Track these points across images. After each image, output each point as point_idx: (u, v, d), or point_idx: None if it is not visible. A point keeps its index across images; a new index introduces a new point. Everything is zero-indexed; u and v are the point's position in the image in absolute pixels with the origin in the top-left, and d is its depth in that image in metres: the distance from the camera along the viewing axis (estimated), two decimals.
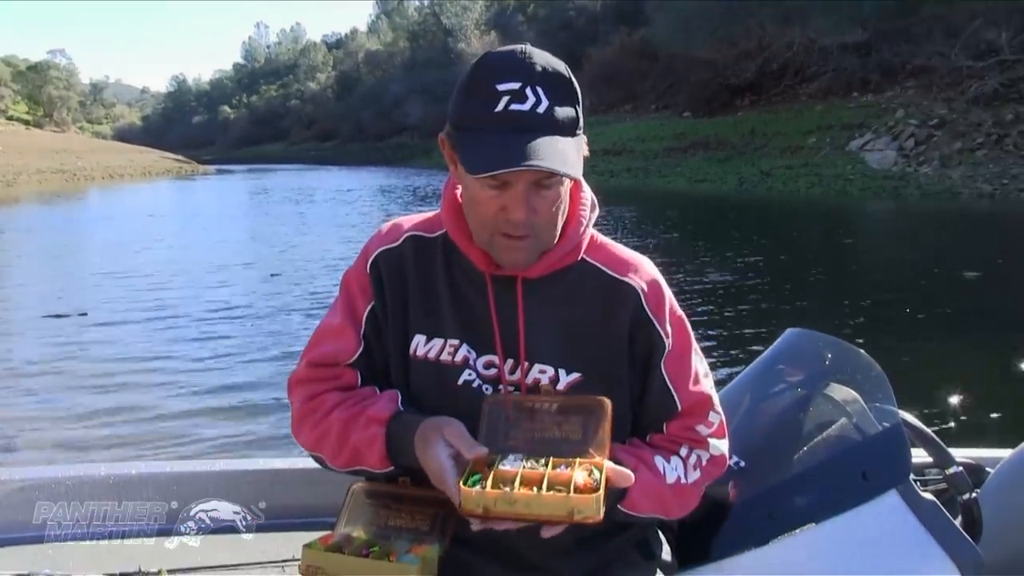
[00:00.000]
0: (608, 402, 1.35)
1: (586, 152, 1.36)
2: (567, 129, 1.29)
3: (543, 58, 1.30)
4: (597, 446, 1.32)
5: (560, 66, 1.31)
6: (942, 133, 27.76)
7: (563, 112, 1.29)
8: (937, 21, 30.69)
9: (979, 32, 29.11)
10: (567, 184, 1.35)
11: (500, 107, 1.26)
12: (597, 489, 1.23)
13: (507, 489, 1.22)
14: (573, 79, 1.32)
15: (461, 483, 1.24)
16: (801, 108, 35.32)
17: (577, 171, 1.28)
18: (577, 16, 59.04)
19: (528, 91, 1.26)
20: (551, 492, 1.22)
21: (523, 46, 1.32)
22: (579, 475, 1.25)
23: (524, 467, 1.28)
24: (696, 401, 1.47)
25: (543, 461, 1.29)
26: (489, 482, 1.24)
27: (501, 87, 1.26)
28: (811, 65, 36.34)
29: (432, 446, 1.30)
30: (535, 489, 1.23)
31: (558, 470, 1.27)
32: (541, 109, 1.27)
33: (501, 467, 1.28)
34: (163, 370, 7.75)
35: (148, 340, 9.02)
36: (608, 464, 1.29)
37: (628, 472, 1.31)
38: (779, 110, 36.41)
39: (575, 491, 1.22)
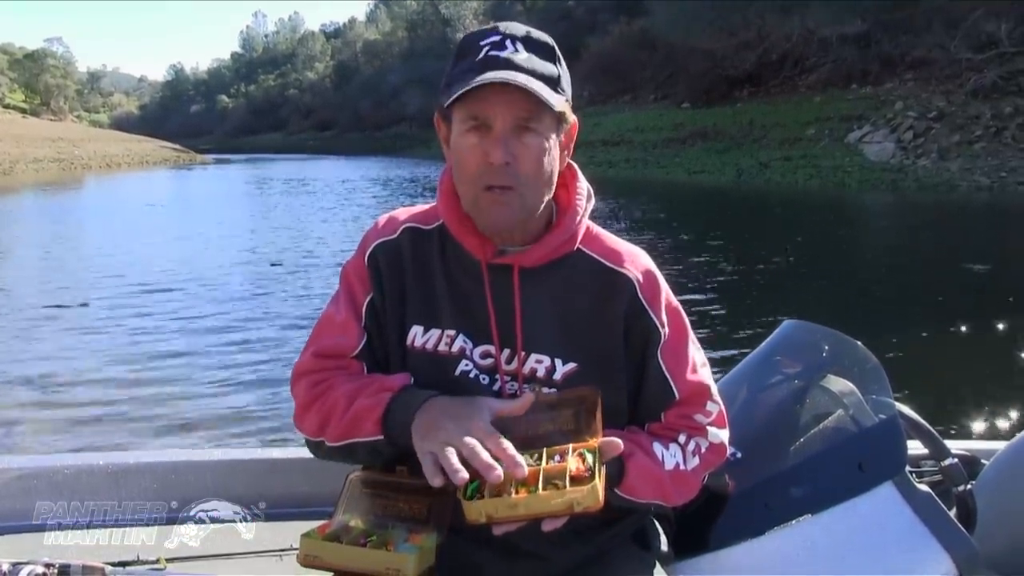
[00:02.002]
0: (597, 391, 1.36)
1: (572, 121, 1.40)
2: (548, 81, 1.32)
3: (525, 27, 1.37)
4: (589, 432, 1.32)
5: (543, 34, 1.37)
6: (941, 125, 27.77)
7: (543, 65, 1.33)
8: (937, 13, 30.63)
9: (979, 24, 29.08)
10: (551, 143, 1.36)
11: (481, 56, 1.31)
12: (591, 474, 1.24)
13: (505, 495, 1.22)
14: (556, 48, 1.36)
15: (460, 495, 1.24)
16: (800, 99, 35.33)
17: (554, 102, 1.30)
18: (576, 6, 58.93)
19: (508, 42, 1.33)
20: (548, 489, 1.22)
21: (507, 22, 1.37)
22: (572, 463, 1.26)
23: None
24: (694, 390, 1.47)
25: (536, 455, 1.29)
26: (486, 489, 1.24)
27: (483, 42, 1.33)
28: (810, 56, 36.34)
29: (444, 434, 1.26)
30: (533, 489, 1.23)
31: (552, 462, 1.27)
32: (520, 56, 1.32)
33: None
34: (164, 361, 7.75)
35: (149, 331, 9.01)
36: (599, 440, 1.30)
37: (616, 440, 1.31)
38: (778, 101, 36.42)
39: (571, 480, 1.23)
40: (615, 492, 1.37)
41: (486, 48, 1.31)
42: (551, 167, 1.37)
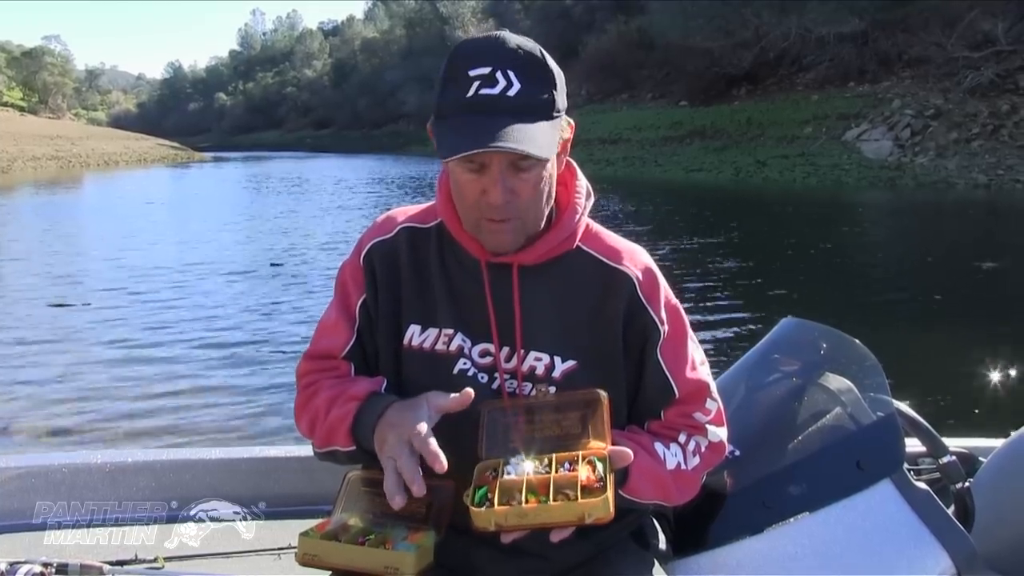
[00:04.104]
0: (604, 393, 1.36)
1: (568, 135, 1.37)
2: (540, 111, 1.29)
3: (517, 42, 1.30)
4: (597, 436, 1.32)
5: (534, 49, 1.31)
6: (938, 123, 27.80)
7: (536, 95, 1.29)
8: (934, 11, 30.66)
9: (975, 22, 29.12)
10: (549, 167, 1.34)
11: (471, 92, 1.27)
12: (602, 483, 1.23)
13: (515, 503, 1.22)
14: (548, 61, 1.31)
15: (468, 501, 1.24)
16: (797, 98, 35.34)
17: (546, 152, 1.28)
18: (574, 5, 58.83)
19: (499, 75, 1.27)
20: (559, 500, 1.22)
21: (499, 32, 1.33)
22: (583, 472, 1.25)
23: (529, 473, 1.27)
24: (693, 388, 1.47)
25: (546, 461, 1.29)
26: (496, 497, 1.24)
27: (472, 72, 1.27)
28: (807, 55, 36.35)
29: (387, 447, 1.28)
30: (544, 498, 1.23)
31: (562, 470, 1.27)
32: (512, 92, 1.27)
33: (505, 476, 1.27)
34: (164, 359, 7.75)
35: (149, 330, 9.00)
36: (608, 448, 1.30)
37: (626, 450, 1.31)
38: (775, 100, 36.44)
39: (581, 490, 1.22)
40: (619, 492, 1.37)
41: (476, 84, 1.27)
42: (549, 185, 1.37)
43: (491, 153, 1.26)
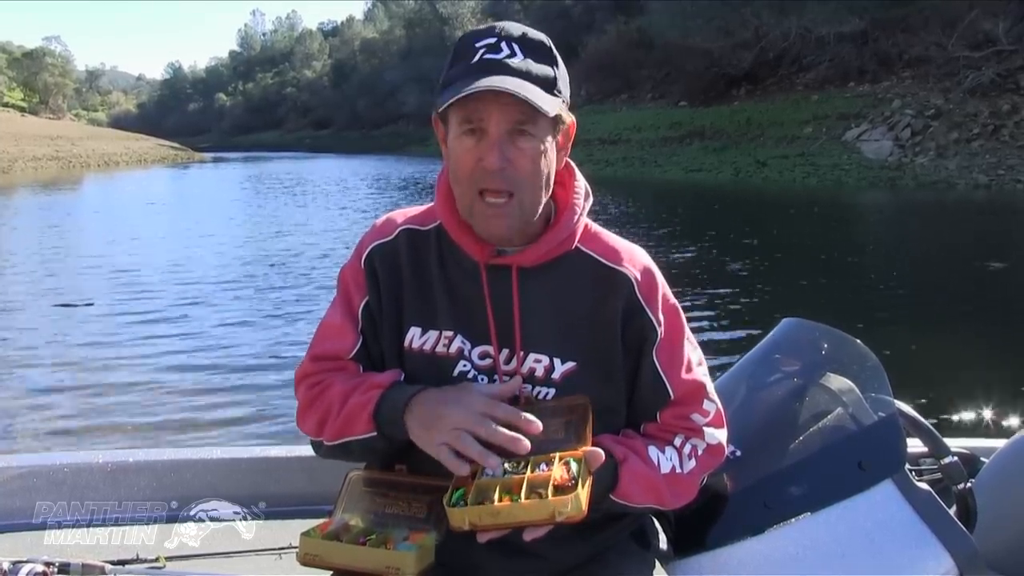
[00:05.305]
0: (587, 400, 1.37)
1: (569, 121, 1.40)
2: (543, 83, 1.32)
3: (522, 27, 1.36)
4: (579, 441, 1.33)
5: (539, 34, 1.36)
6: (938, 123, 27.82)
7: (539, 67, 1.33)
8: (934, 11, 30.67)
9: (976, 22, 29.13)
10: (548, 144, 1.36)
11: (476, 59, 1.31)
12: (574, 484, 1.24)
13: (488, 503, 1.24)
14: (552, 47, 1.36)
15: (445, 502, 1.26)
16: (797, 98, 35.34)
17: (548, 108, 1.29)
18: (573, 5, 58.86)
19: (503, 44, 1.32)
20: (530, 499, 1.23)
21: (504, 22, 1.37)
22: (557, 472, 1.26)
23: (505, 474, 1.29)
24: (689, 389, 1.46)
25: (522, 463, 1.30)
26: (470, 497, 1.25)
27: (479, 44, 1.33)
28: (807, 54, 36.35)
29: (452, 421, 1.29)
30: (516, 497, 1.24)
31: (538, 470, 1.28)
32: (515, 60, 1.31)
33: (482, 478, 1.29)
34: (165, 360, 7.74)
35: (149, 330, 8.99)
36: (584, 449, 1.31)
37: (599, 451, 1.31)
38: (775, 100, 36.43)
39: (554, 489, 1.24)
40: (610, 497, 1.38)
41: (481, 51, 1.31)
42: (547, 169, 1.37)
43: (491, 110, 1.29)
